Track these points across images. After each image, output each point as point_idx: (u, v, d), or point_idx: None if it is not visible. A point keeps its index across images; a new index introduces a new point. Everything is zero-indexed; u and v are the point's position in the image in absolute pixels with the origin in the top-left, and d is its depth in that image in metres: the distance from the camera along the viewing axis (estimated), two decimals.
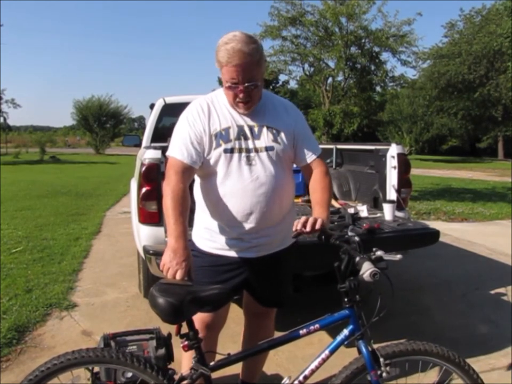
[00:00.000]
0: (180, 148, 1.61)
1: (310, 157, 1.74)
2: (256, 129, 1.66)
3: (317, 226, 1.49)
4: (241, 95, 1.57)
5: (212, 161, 1.64)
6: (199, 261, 1.75)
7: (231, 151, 1.62)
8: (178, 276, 1.44)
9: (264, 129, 1.67)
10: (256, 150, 1.64)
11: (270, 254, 1.75)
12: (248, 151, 1.63)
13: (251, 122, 1.67)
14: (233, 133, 1.64)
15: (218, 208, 1.67)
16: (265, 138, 1.66)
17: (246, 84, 1.54)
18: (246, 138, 1.64)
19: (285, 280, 1.89)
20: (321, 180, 1.72)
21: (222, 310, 1.77)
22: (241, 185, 1.62)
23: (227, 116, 1.66)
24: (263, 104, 1.71)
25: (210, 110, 1.67)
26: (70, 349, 1.45)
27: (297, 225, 1.50)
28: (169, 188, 1.55)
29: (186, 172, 1.59)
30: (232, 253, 1.72)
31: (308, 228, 1.49)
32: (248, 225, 1.66)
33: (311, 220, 1.50)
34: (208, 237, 1.75)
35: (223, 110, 1.68)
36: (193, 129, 1.63)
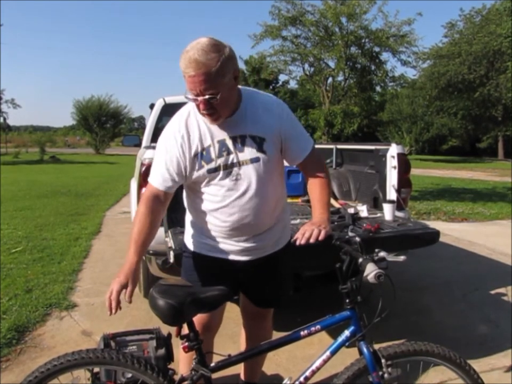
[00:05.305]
0: (155, 174, 1.58)
1: (301, 155, 1.65)
2: (239, 140, 1.56)
3: (320, 237, 1.47)
4: (201, 107, 1.45)
5: (196, 181, 1.59)
6: (191, 262, 1.73)
7: (215, 170, 1.55)
8: (113, 308, 1.50)
9: (247, 140, 1.56)
10: (241, 163, 1.55)
11: (264, 256, 1.72)
12: (232, 165, 1.55)
13: (232, 134, 1.55)
14: (214, 151, 1.54)
15: (206, 221, 1.65)
16: (249, 149, 1.56)
17: (206, 96, 1.41)
18: (229, 153, 1.55)
19: (281, 280, 1.86)
20: (318, 177, 1.66)
21: (219, 311, 1.74)
22: (228, 201, 1.57)
23: (206, 132, 1.55)
24: (243, 110, 1.57)
25: (188, 129, 1.56)
26: (70, 349, 1.45)
27: (301, 240, 1.47)
28: (137, 218, 1.52)
29: (159, 197, 1.55)
30: (225, 255, 1.68)
31: (312, 241, 1.46)
32: (238, 234, 1.63)
33: (315, 232, 1.47)
34: (199, 238, 1.72)
35: (201, 125, 1.56)
36: (169, 155, 1.55)
